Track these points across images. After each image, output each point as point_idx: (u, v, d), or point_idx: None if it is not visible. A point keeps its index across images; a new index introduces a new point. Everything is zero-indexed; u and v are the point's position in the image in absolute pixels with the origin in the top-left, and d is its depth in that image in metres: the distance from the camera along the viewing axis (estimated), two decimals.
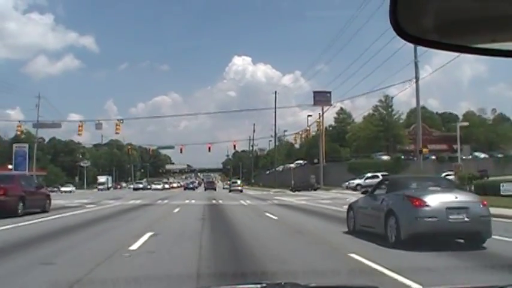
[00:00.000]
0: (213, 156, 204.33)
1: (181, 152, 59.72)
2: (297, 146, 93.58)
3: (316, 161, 59.90)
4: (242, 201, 29.65)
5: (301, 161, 75.01)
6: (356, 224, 10.80)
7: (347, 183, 49.36)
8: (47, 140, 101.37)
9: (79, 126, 40.77)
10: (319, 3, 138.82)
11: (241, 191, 55.47)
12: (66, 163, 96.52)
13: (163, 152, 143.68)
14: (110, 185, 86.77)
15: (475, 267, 6.93)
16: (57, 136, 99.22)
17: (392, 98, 65.67)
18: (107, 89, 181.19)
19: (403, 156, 58.40)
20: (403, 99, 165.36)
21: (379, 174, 47.66)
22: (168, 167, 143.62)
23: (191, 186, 73.24)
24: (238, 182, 64.29)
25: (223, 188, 76.69)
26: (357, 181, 47.94)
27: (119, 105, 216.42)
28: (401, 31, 1.19)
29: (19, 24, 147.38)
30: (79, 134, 42.50)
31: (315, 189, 52.95)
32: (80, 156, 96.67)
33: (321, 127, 58.52)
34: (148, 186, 74.23)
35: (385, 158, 59.27)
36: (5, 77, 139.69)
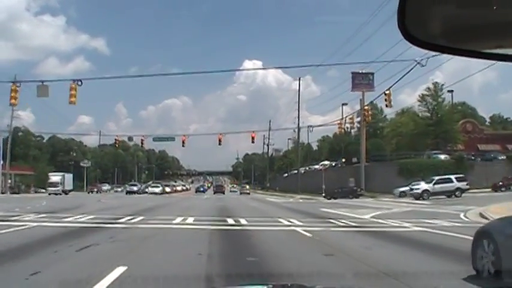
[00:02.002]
0: (223, 159, 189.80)
1: (183, 144, 45.16)
2: (315, 146, 79.83)
3: (355, 160, 44.53)
4: (283, 221, 14.74)
5: (326, 162, 60.13)
6: (504, 266, 5.25)
7: (406, 188, 35.15)
8: (46, 138, 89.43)
9: (12, 91, 25.46)
10: (329, 8, 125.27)
11: (248, 193, 61.15)
12: (65, 162, 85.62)
13: (171, 154, 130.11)
14: (69, 187, 59.40)
15: None
16: (61, 135, 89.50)
17: (442, 85, 50.70)
18: (118, 92, 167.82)
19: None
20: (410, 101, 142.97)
21: (452, 177, 33.23)
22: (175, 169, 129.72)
23: (201, 189, 71.90)
24: (247, 186, 72.60)
25: (230, 191, 75.62)
26: (422, 186, 33.11)
27: (129, 108, 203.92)
28: (409, 35, 1.17)
29: (31, 25, 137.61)
30: (11, 104, 27.57)
31: (357, 197, 38.45)
32: (74, 155, 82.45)
33: (362, 117, 43.17)
34: (146, 190, 58.55)
35: (443, 157, 44.03)
36: (16, 77, 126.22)
